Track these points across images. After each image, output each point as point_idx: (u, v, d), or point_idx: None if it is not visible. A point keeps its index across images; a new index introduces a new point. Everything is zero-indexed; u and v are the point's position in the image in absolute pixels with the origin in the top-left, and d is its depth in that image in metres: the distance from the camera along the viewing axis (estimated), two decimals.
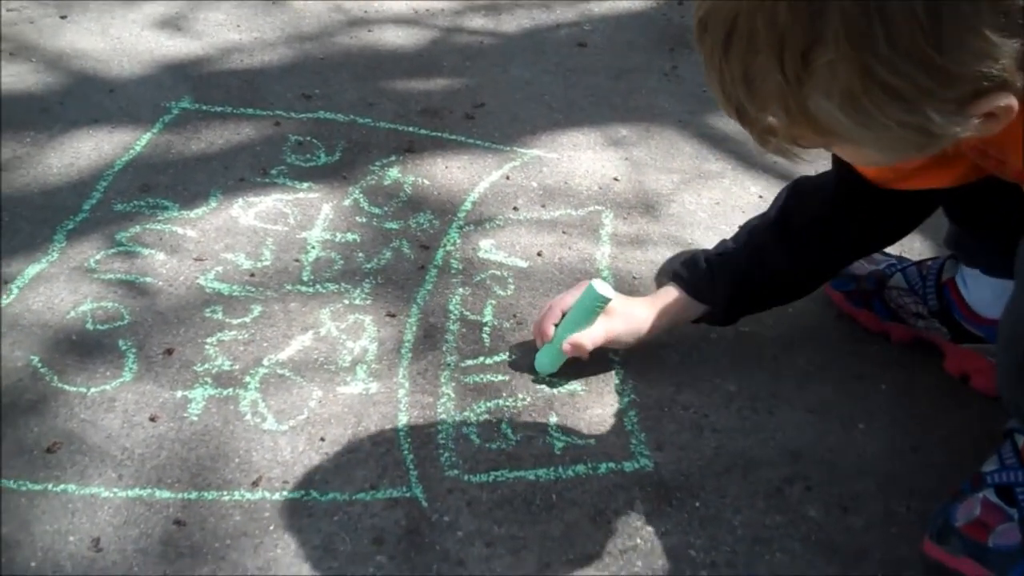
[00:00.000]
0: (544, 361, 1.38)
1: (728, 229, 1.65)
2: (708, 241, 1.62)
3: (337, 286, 1.52)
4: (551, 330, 1.35)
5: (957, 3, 0.72)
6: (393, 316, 1.47)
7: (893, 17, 0.72)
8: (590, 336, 1.33)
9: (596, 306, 1.33)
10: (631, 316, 1.36)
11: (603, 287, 1.32)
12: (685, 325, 1.40)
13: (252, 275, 1.52)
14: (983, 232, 1.29)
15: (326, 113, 1.94)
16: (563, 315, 1.36)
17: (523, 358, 1.40)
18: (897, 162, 0.88)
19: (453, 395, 1.34)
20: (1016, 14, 0.73)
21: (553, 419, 1.31)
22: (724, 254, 1.36)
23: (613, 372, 1.39)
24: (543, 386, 1.36)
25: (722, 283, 1.35)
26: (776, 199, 1.37)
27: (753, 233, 1.36)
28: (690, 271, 1.37)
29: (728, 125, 1.94)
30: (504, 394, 1.35)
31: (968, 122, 0.80)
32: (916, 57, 0.74)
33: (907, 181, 1.18)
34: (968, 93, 0.77)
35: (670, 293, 1.37)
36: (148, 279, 1.50)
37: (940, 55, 0.73)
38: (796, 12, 0.75)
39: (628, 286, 1.53)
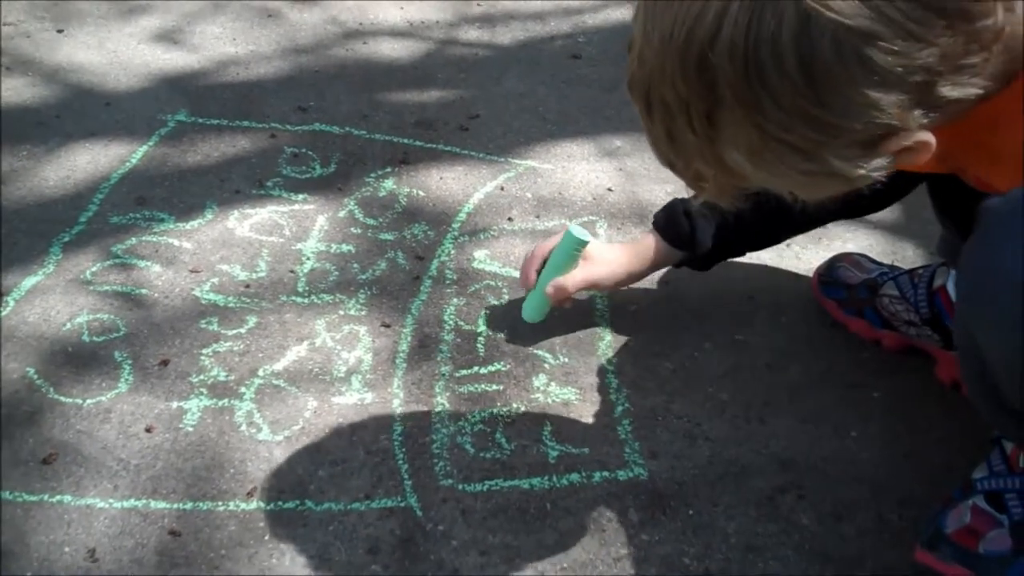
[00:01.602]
0: (530, 310, 1.42)
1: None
2: None
3: (332, 297, 1.52)
4: (534, 276, 1.40)
5: (830, 69, 0.76)
6: (388, 326, 1.47)
7: (774, 84, 0.77)
8: (571, 280, 1.38)
9: (574, 250, 1.36)
10: (610, 260, 1.42)
11: (581, 231, 1.35)
12: (684, 328, 1.41)
13: (247, 286, 1.53)
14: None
15: (321, 125, 1.95)
16: (544, 262, 1.40)
17: (517, 368, 1.41)
18: (820, 198, 0.93)
19: (448, 405, 1.35)
20: (888, 74, 0.76)
21: (547, 428, 1.32)
22: (703, 203, 1.39)
23: (607, 381, 1.40)
24: (538, 395, 1.37)
25: (700, 233, 1.41)
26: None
27: None
28: (668, 220, 1.43)
29: None
30: (498, 403, 1.35)
31: (878, 161, 0.84)
32: (802, 116, 0.79)
33: None
34: (866, 139, 0.81)
35: (649, 239, 1.44)
36: (144, 291, 1.51)
37: (823, 111, 0.78)
38: (691, 84, 0.80)
39: (622, 295, 1.54)
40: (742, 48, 0.76)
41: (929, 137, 0.83)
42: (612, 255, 1.43)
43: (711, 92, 0.80)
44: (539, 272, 1.40)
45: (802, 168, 0.84)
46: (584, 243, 1.35)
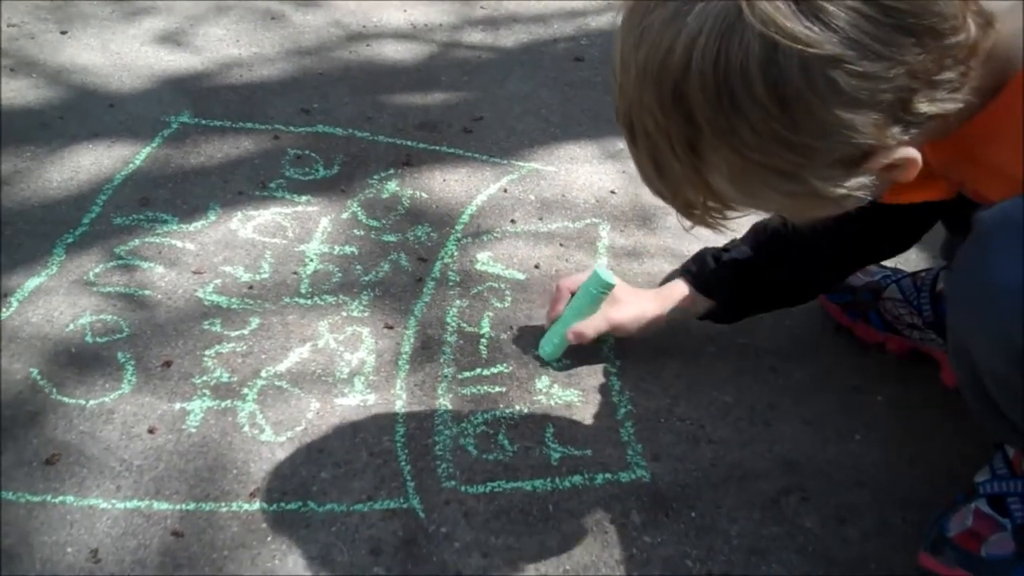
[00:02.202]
0: (547, 348, 1.41)
1: (725, 241, 1.66)
2: None
3: (335, 298, 1.52)
4: (557, 314, 1.40)
5: (799, 94, 0.76)
6: (391, 328, 1.47)
7: (747, 112, 0.78)
8: (593, 325, 1.37)
9: (600, 292, 1.35)
10: (635, 306, 1.39)
11: (608, 274, 1.34)
12: (685, 333, 1.41)
13: (250, 288, 1.53)
14: None
15: (325, 127, 1.95)
16: (571, 295, 1.39)
17: (520, 370, 1.41)
18: (808, 220, 0.93)
19: (450, 406, 1.35)
20: (858, 94, 0.77)
21: (550, 430, 1.32)
22: (732, 252, 1.38)
23: (610, 383, 1.40)
24: (540, 397, 1.37)
25: (728, 280, 1.37)
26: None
27: (761, 234, 1.37)
28: (698, 266, 1.40)
29: None
30: (501, 405, 1.35)
31: (861, 179, 0.85)
32: (778, 140, 0.79)
33: (900, 196, 1.19)
34: (845, 158, 0.82)
35: (677, 286, 1.40)
36: (147, 292, 1.51)
37: (798, 135, 0.79)
38: (669, 114, 0.81)
39: None
40: (712, 79, 0.77)
41: (913, 153, 0.84)
42: (637, 299, 1.40)
43: (689, 122, 0.81)
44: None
45: (785, 190, 0.84)
46: (611, 286, 1.35)
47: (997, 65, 0.85)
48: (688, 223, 0.95)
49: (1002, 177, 0.93)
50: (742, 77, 0.76)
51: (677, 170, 0.86)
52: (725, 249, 1.39)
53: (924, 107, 0.81)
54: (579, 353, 1.43)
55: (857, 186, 0.85)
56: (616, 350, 1.45)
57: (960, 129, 0.91)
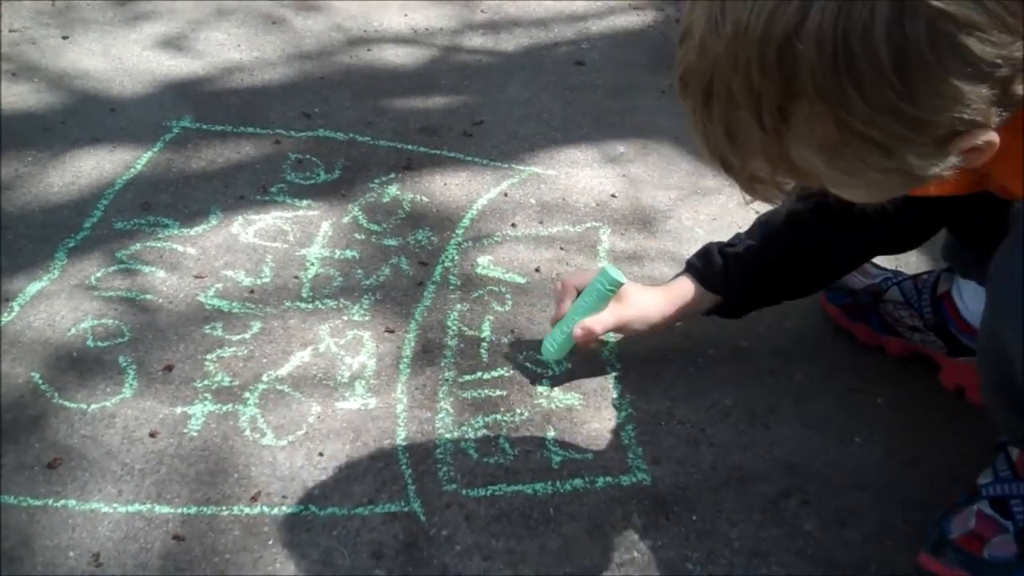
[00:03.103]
0: (551, 348, 1.39)
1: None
2: None
3: (336, 302, 1.53)
4: (564, 311, 1.37)
5: (923, 59, 0.73)
6: (392, 332, 1.47)
7: (863, 76, 0.74)
8: (601, 322, 1.35)
9: (609, 290, 1.33)
10: (643, 303, 1.38)
11: (617, 272, 1.32)
12: (685, 336, 1.41)
13: (252, 292, 1.53)
14: (977, 242, 1.29)
15: (325, 131, 1.96)
16: (577, 293, 1.37)
17: (521, 373, 1.41)
18: (884, 199, 0.90)
19: (451, 410, 1.35)
20: (981, 65, 0.74)
21: (551, 433, 1.32)
22: (738, 247, 1.38)
23: (611, 386, 1.40)
24: (541, 401, 1.37)
25: (735, 275, 1.37)
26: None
27: (767, 227, 1.37)
28: (704, 262, 1.39)
29: None
30: (502, 409, 1.35)
31: (948, 159, 0.81)
32: (889, 109, 0.75)
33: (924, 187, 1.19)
34: (944, 135, 0.78)
35: (683, 283, 1.40)
36: (148, 296, 1.51)
37: (912, 106, 0.75)
38: (768, 74, 0.77)
39: None
40: (831, 36, 0.73)
41: (995, 137, 0.80)
42: (645, 297, 1.39)
43: (789, 84, 0.76)
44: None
45: (880, 166, 0.80)
46: (619, 284, 1.32)
47: None
48: (749, 197, 0.91)
49: None
50: (863, 37, 0.72)
51: (755, 138, 0.81)
52: (731, 244, 1.39)
53: (1020, 89, 0.77)
54: (579, 357, 1.44)
55: (948, 166, 0.82)
56: (616, 354, 1.45)
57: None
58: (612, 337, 1.46)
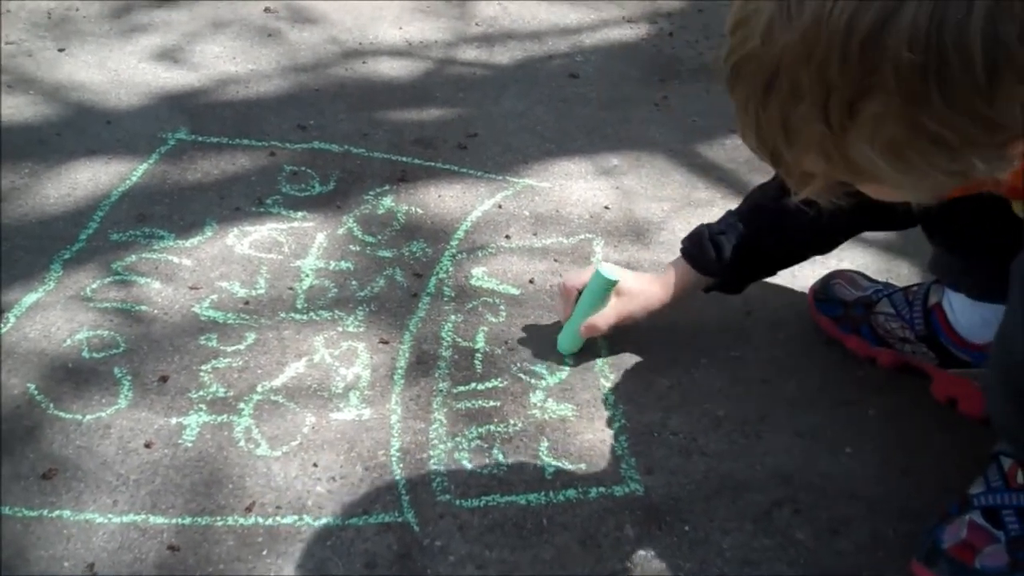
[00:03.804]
0: (564, 345, 1.48)
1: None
2: None
3: (331, 314, 1.53)
4: (569, 311, 1.46)
5: (1012, 59, 0.71)
6: (386, 343, 1.48)
7: (951, 77, 0.72)
8: (604, 318, 1.43)
9: (605, 290, 1.40)
10: (642, 294, 1.45)
11: (610, 270, 1.39)
12: (678, 345, 1.42)
13: (246, 303, 1.54)
14: (963, 254, 1.30)
15: (320, 143, 1.96)
16: (579, 294, 1.43)
17: (515, 384, 1.42)
18: (931, 201, 0.89)
19: (445, 421, 1.35)
20: None
21: (544, 444, 1.33)
22: (729, 234, 1.41)
23: (604, 397, 1.40)
24: (535, 411, 1.37)
25: (728, 255, 1.40)
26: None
27: (756, 201, 1.41)
28: (698, 248, 1.43)
29: (717, 154, 1.96)
30: (496, 420, 1.36)
31: (1008, 162, 0.80)
32: (968, 112, 0.74)
33: None
34: (1007, 138, 0.77)
35: (680, 268, 1.46)
36: (144, 307, 1.52)
37: (989, 107, 0.73)
38: (848, 67, 0.74)
39: None
40: (924, 31, 0.71)
41: None
42: (642, 287, 1.45)
43: (867, 78, 0.74)
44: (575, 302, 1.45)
45: (945, 168, 0.78)
46: (614, 282, 1.40)
47: None
48: (800, 194, 0.88)
49: None
50: (959, 34, 0.70)
51: (816, 132, 0.78)
52: (721, 231, 1.41)
53: None
54: (573, 367, 1.45)
55: (1004, 169, 0.80)
56: (610, 364, 1.46)
57: None
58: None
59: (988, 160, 0.78)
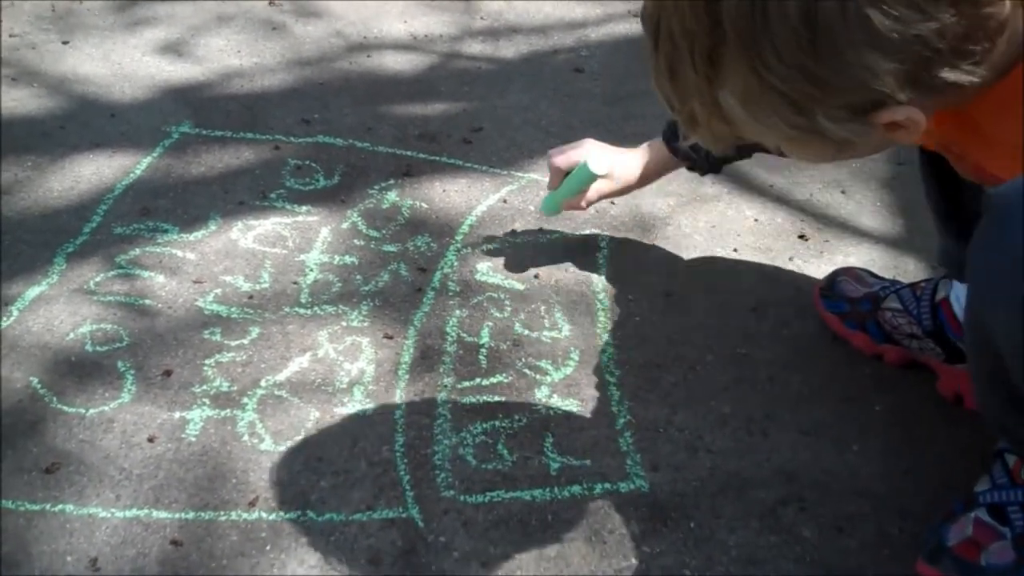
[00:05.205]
0: (546, 208, 1.64)
1: (723, 252, 1.66)
2: (704, 264, 1.64)
3: (335, 308, 1.53)
4: (556, 184, 1.58)
5: (830, 24, 0.77)
6: (390, 338, 1.48)
7: (775, 29, 0.79)
8: (586, 199, 1.59)
9: (589, 180, 1.52)
10: (622, 177, 1.60)
11: (597, 164, 1.47)
12: (684, 343, 1.41)
13: (251, 297, 1.53)
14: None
15: (325, 137, 1.96)
16: (564, 174, 1.56)
17: (519, 380, 1.41)
18: (820, 163, 0.96)
19: (450, 416, 1.35)
20: (885, 39, 0.78)
21: (549, 440, 1.32)
22: None
23: (609, 393, 1.40)
24: (539, 407, 1.37)
25: (703, 156, 1.54)
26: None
27: None
28: (673, 132, 1.53)
29: None
30: (500, 415, 1.35)
31: (867, 130, 0.86)
32: (798, 66, 0.80)
33: None
34: (858, 104, 0.83)
35: (658, 149, 1.60)
36: (147, 301, 1.51)
37: (820, 67, 0.80)
38: (699, 17, 0.82)
39: (624, 308, 1.54)
40: None
41: (919, 116, 0.84)
42: (625, 170, 1.59)
43: (715, 30, 0.81)
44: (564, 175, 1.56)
45: (792, 122, 0.85)
46: (596, 177, 1.50)
47: (1014, 44, 0.84)
48: (688, 137, 0.97)
49: (1009, 154, 0.93)
50: None
51: (691, 80, 0.86)
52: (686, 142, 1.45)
53: (945, 74, 0.81)
54: (578, 362, 1.44)
55: (860, 134, 0.87)
56: (615, 360, 1.45)
57: (970, 103, 0.91)
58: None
59: (837, 121, 0.85)
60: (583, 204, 1.59)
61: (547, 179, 1.79)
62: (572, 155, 1.54)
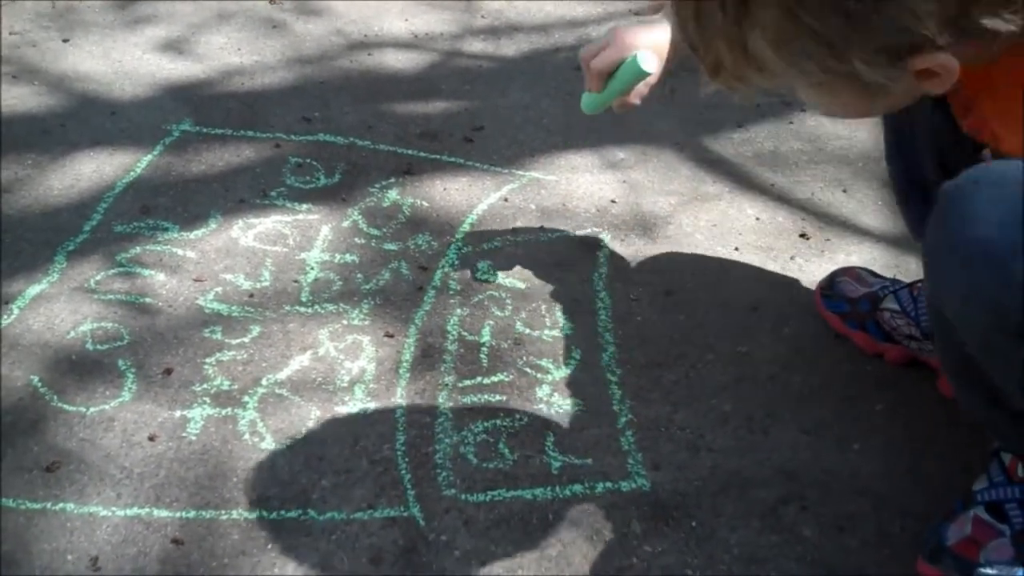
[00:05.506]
0: (589, 106, 1.45)
1: (725, 250, 1.66)
2: (705, 263, 1.64)
3: (336, 307, 1.53)
4: (598, 86, 1.39)
5: None
6: (391, 336, 1.48)
7: None
8: (637, 95, 1.41)
9: (640, 79, 1.36)
10: (663, 57, 1.39)
11: (647, 62, 1.32)
12: (685, 342, 1.41)
13: (251, 296, 1.53)
14: None
15: (326, 136, 1.96)
16: (604, 77, 1.38)
17: (520, 378, 1.41)
18: (850, 116, 0.94)
19: (451, 415, 1.35)
20: None
21: (550, 439, 1.32)
22: None
23: (610, 392, 1.40)
24: (541, 406, 1.37)
25: None
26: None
27: None
28: None
29: (724, 147, 1.95)
30: (501, 414, 1.35)
31: (902, 76, 0.84)
32: (839, 7, 0.78)
33: None
34: (895, 47, 0.81)
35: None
36: (148, 299, 1.51)
37: (861, 5, 0.78)
38: None
39: (625, 306, 1.54)
40: None
41: (954, 64, 0.82)
42: (663, 52, 1.39)
43: None
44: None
45: (826, 65, 0.84)
46: (647, 74, 1.34)
47: None
48: (711, 85, 0.93)
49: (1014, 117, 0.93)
50: None
51: (718, 21, 0.84)
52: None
53: (984, 19, 0.79)
54: (579, 361, 1.44)
55: (898, 82, 0.85)
56: (616, 359, 1.45)
57: (998, 62, 0.89)
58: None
59: (873, 66, 0.82)
60: (637, 100, 1.44)
61: (548, 177, 1.80)
62: (610, 55, 1.37)
